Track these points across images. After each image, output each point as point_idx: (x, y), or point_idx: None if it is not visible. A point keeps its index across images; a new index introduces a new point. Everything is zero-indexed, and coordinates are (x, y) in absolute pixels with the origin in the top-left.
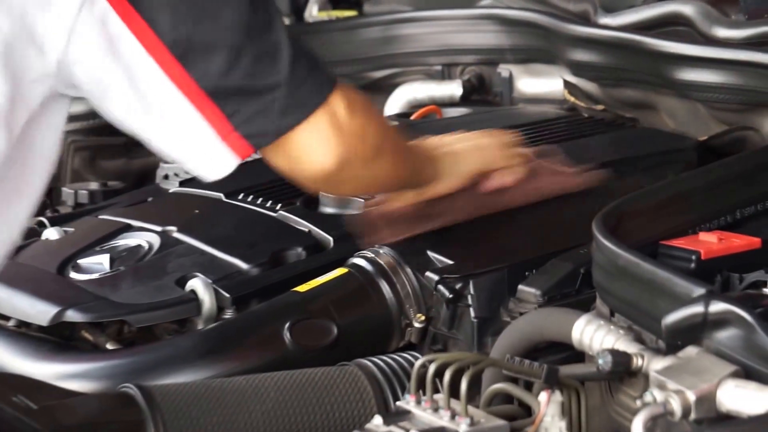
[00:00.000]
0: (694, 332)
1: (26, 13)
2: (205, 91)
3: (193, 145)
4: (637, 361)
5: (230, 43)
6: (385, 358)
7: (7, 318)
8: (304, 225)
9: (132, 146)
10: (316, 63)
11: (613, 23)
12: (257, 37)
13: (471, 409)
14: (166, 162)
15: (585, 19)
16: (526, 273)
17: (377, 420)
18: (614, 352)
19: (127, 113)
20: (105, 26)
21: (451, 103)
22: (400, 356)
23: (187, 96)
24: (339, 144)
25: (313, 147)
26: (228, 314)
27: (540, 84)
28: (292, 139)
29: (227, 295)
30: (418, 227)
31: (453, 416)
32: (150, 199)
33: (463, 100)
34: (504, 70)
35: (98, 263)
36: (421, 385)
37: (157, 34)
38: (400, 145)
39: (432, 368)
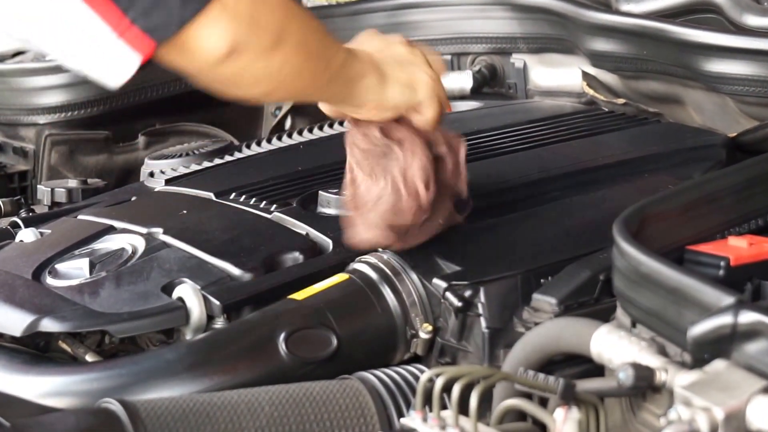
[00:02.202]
0: (722, 344)
1: None
2: None
3: (89, 45)
4: (661, 376)
5: None
6: (388, 371)
7: None
8: (301, 227)
9: (114, 141)
10: None
11: (636, 10)
12: None
13: (481, 426)
14: (151, 158)
15: (605, 6)
16: (542, 280)
17: None
18: (636, 366)
19: (14, 16)
20: None
21: (460, 96)
22: (405, 369)
23: None
24: (231, 30)
25: (209, 36)
26: (218, 323)
27: (556, 75)
28: (189, 31)
29: (217, 302)
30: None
31: None
32: (134, 198)
33: (474, 93)
34: (518, 60)
35: (77, 268)
36: (427, 400)
37: None
38: (310, 37)
39: (439, 382)
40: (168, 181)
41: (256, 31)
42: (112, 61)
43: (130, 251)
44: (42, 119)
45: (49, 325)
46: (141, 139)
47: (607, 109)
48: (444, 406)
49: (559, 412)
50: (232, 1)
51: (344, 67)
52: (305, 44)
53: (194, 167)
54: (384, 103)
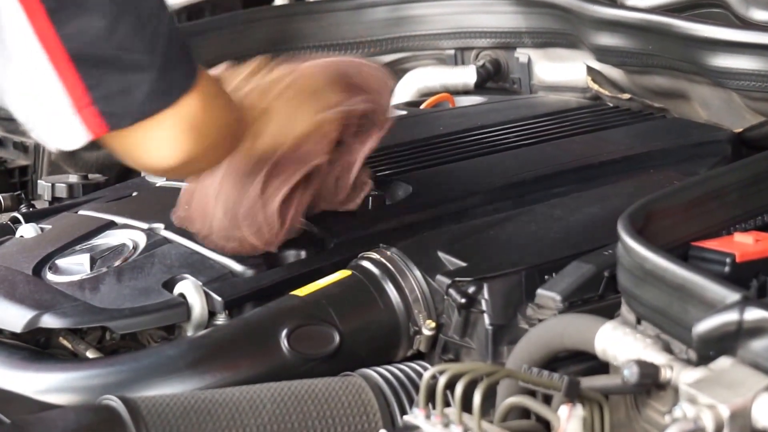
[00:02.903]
0: (727, 341)
1: None
2: (70, 54)
3: (45, 110)
4: (666, 373)
5: (108, 8)
6: (391, 368)
7: None
8: (304, 223)
9: None
10: (187, 50)
11: (641, 4)
12: (137, 8)
13: (485, 424)
14: None
15: (610, 0)
16: (546, 276)
17: None
18: (641, 363)
19: None
20: None
21: (464, 91)
22: (408, 366)
23: (50, 55)
24: (188, 141)
25: (164, 140)
26: (220, 320)
27: (561, 70)
28: (145, 127)
29: (219, 298)
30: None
31: None
32: (135, 193)
33: (478, 88)
34: (522, 54)
35: (78, 264)
36: (430, 397)
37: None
38: (240, 132)
39: (443, 380)
40: None
41: (210, 140)
42: (62, 130)
43: (131, 247)
44: None
45: (49, 321)
46: None
47: (611, 105)
48: (447, 404)
49: (564, 410)
50: (201, 111)
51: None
52: (232, 144)
53: None
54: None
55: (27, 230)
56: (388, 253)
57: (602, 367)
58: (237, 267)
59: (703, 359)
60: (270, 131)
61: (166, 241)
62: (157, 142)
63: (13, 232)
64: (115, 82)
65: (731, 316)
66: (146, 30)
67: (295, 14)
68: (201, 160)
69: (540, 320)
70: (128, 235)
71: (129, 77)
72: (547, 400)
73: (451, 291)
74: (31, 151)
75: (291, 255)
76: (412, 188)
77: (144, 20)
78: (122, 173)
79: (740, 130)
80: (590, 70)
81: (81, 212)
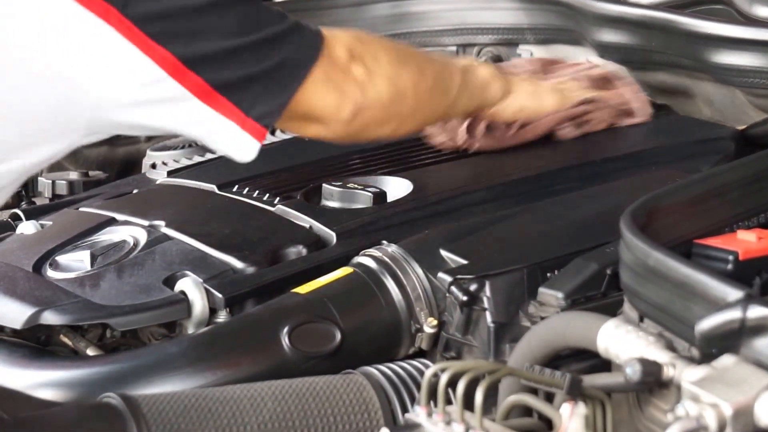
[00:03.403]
0: (730, 339)
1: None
2: (218, 91)
3: (223, 138)
4: (669, 371)
5: (233, 46)
6: (393, 366)
7: None
8: (305, 220)
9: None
10: (297, 24)
11: (644, 0)
12: (253, 34)
13: (486, 422)
14: (153, 150)
15: None
16: (548, 274)
17: None
18: (643, 361)
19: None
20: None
21: None
22: (409, 364)
23: (207, 102)
24: (345, 92)
25: (321, 103)
26: (221, 317)
27: None
28: (298, 102)
29: (220, 295)
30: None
31: (467, 430)
32: (135, 190)
33: None
34: (524, 51)
35: (78, 260)
36: (432, 395)
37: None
38: (425, 74)
39: (444, 377)
40: (170, 173)
41: (372, 86)
42: (242, 145)
43: (131, 244)
44: None
45: (50, 317)
46: None
47: None
48: (449, 402)
49: (566, 408)
50: (343, 63)
51: (465, 87)
52: (419, 85)
53: (197, 159)
54: (514, 106)
55: (27, 227)
56: (390, 250)
57: (604, 365)
58: (238, 264)
59: (706, 357)
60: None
61: (167, 237)
62: (316, 107)
63: (14, 229)
64: (254, 89)
65: (734, 314)
66: (264, 45)
67: (297, 11)
68: (378, 108)
69: (542, 318)
70: (129, 231)
71: (262, 80)
72: (549, 398)
73: (453, 288)
74: None
75: (292, 252)
76: (413, 185)
77: (260, 39)
78: (122, 170)
79: (743, 127)
80: None
81: (81, 209)
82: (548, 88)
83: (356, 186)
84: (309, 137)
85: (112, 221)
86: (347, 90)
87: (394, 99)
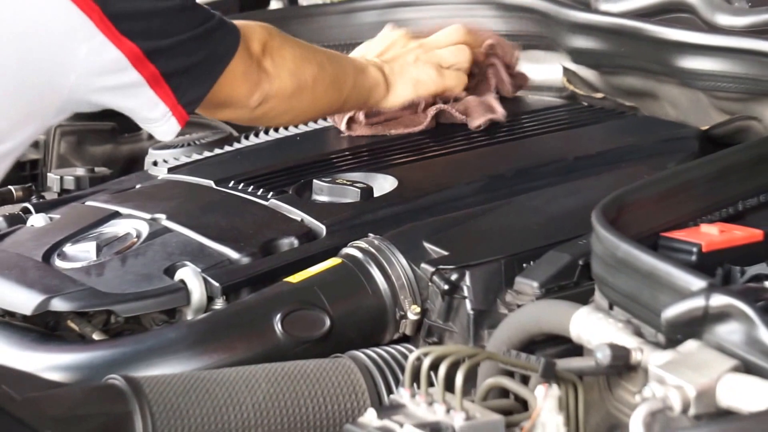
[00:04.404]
0: (694, 326)
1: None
2: (164, 79)
3: (155, 118)
4: (636, 356)
5: (179, 40)
6: (378, 350)
7: None
8: (296, 213)
9: (120, 131)
10: (221, 20)
11: (613, 9)
12: (194, 30)
13: (466, 403)
14: (154, 148)
15: (585, 5)
16: (524, 264)
17: (370, 413)
18: (613, 346)
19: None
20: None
21: None
22: (394, 348)
23: (154, 89)
24: (255, 83)
25: (236, 92)
26: (218, 304)
27: (539, 71)
28: (216, 91)
29: (217, 284)
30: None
31: (448, 410)
32: (138, 185)
33: None
34: None
35: (85, 251)
36: (415, 378)
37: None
38: (324, 73)
39: (427, 361)
40: (170, 170)
41: (278, 81)
42: (167, 128)
43: (134, 235)
44: None
45: (58, 304)
46: (145, 130)
47: (586, 104)
48: (431, 384)
49: (540, 390)
50: (256, 58)
51: (355, 87)
52: (318, 82)
53: (195, 157)
54: (393, 102)
55: (37, 219)
56: (376, 242)
57: (577, 349)
58: (234, 255)
59: (671, 343)
60: (400, 92)
61: (167, 230)
62: (228, 97)
63: (25, 221)
64: (186, 79)
65: (698, 302)
66: (201, 37)
67: (289, 17)
68: (281, 101)
69: (518, 306)
70: (132, 224)
71: (193, 70)
72: (525, 380)
73: (435, 278)
74: (41, 146)
75: (284, 244)
76: (398, 181)
77: (199, 33)
78: (126, 167)
79: (707, 127)
80: (566, 71)
81: (88, 203)
82: (428, 71)
83: (345, 182)
84: (217, 119)
85: (116, 214)
86: (257, 80)
87: (295, 92)
